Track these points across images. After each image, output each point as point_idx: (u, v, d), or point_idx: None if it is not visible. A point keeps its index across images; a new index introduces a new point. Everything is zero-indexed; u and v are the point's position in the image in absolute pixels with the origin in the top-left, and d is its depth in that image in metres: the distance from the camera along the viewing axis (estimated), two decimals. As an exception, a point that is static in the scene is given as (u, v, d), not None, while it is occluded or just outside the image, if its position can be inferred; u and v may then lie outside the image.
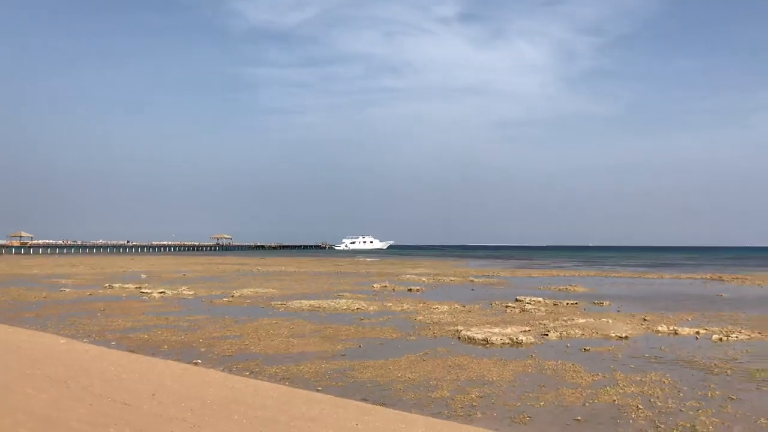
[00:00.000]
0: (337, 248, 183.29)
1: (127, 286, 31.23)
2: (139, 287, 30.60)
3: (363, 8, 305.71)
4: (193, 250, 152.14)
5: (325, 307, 22.62)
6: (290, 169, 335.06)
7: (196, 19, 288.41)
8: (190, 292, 28.58)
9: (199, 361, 12.86)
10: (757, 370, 12.21)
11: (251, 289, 29.87)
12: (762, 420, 8.69)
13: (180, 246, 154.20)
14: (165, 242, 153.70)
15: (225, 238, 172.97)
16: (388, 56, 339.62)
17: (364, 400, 9.77)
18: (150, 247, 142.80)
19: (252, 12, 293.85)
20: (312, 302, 23.89)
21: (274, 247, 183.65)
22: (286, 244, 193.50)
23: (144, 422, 7.88)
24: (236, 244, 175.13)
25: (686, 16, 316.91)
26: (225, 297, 26.84)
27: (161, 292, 28.03)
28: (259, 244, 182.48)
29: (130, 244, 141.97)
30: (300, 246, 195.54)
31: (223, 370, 11.98)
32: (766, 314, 21.89)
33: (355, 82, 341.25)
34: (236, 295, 27.47)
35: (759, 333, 16.89)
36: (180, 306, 23.43)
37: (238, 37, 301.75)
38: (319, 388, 10.53)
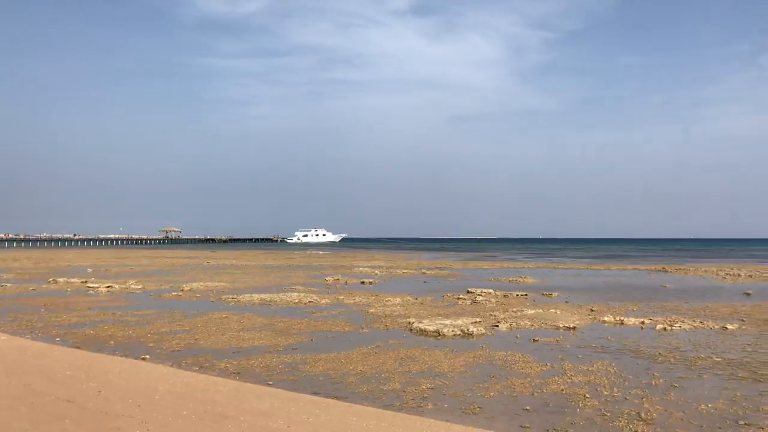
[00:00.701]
0: (289, 241, 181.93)
1: (72, 280, 30.43)
2: (85, 282, 29.85)
3: (317, 0, 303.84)
4: (142, 243, 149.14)
5: (276, 301, 22.46)
6: (241, 161, 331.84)
7: (144, 9, 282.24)
8: (138, 287, 28.03)
9: (148, 356, 12.62)
10: (698, 358, 12.61)
11: (201, 283, 29.45)
12: (702, 406, 8.97)
13: (128, 239, 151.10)
14: (112, 236, 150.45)
15: (174, 231, 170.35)
16: (342, 48, 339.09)
17: (316, 393, 9.73)
18: (97, 240, 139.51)
19: (202, 2, 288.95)
20: (263, 296, 23.69)
21: (225, 241, 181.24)
22: (237, 237, 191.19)
23: (89, 420, 7.70)
24: (186, 237, 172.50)
25: (633, 14, 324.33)
26: (174, 291, 26.40)
27: (108, 287, 27.40)
28: (209, 237, 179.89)
29: (75, 237, 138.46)
30: (251, 239, 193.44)
31: (172, 366, 11.78)
32: (707, 304, 22.60)
33: (307, 73, 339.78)
34: (186, 289, 27.05)
35: (700, 322, 17.43)
36: (128, 301, 22.96)
37: (188, 26, 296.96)
38: (271, 382, 10.45)
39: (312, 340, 14.75)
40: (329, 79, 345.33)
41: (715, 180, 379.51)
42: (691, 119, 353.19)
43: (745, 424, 8.17)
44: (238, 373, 11.22)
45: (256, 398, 9.11)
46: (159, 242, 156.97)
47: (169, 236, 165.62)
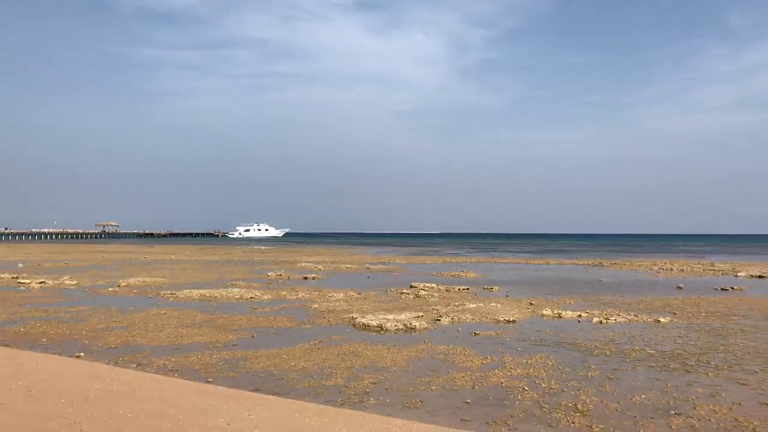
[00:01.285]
0: (230, 236, 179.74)
1: (2, 275, 29.31)
2: (16, 277, 28.80)
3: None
4: (77, 238, 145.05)
5: (216, 297, 22.13)
6: (182, 155, 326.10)
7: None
8: (73, 282, 27.19)
9: (82, 354, 12.25)
10: (633, 350, 12.98)
11: (139, 279, 28.75)
12: (636, 398, 9.24)
13: (62, 234, 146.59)
14: (46, 230, 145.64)
15: (111, 225, 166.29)
16: (285, 41, 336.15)
17: (257, 390, 9.62)
18: (29, 234, 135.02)
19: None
20: (203, 291, 23.30)
21: (164, 235, 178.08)
22: (177, 231, 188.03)
23: (19, 421, 7.41)
24: (123, 231, 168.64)
25: (572, 15, 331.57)
26: (110, 287, 25.70)
27: (41, 282, 26.51)
28: (147, 231, 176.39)
29: (7, 231, 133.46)
30: (191, 234, 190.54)
31: (108, 363, 11.45)
32: (641, 297, 23.31)
33: (249, 66, 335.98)
34: (123, 284, 26.38)
35: (635, 315, 17.96)
36: (61, 297, 22.24)
37: (126, 16, 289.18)
38: (210, 379, 10.28)
39: (253, 336, 14.57)
40: (272, 72, 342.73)
41: (649, 177, 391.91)
42: (628, 118, 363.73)
43: (676, 413, 8.45)
44: (177, 370, 10.99)
45: (195, 396, 8.94)
46: (95, 237, 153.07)
47: (106, 230, 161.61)
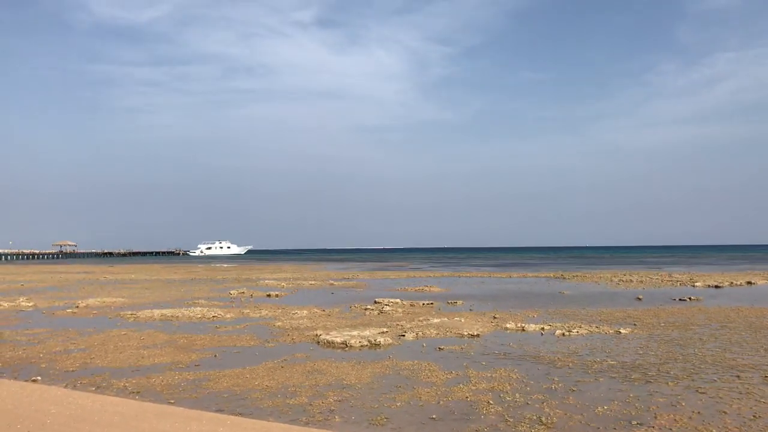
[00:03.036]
0: (192, 254, 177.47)
1: (-46, 299, 28.42)
2: (-31, 301, 27.95)
3: (218, 8, 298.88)
4: (34, 258, 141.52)
5: (178, 316, 21.78)
6: (142, 172, 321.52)
7: (37, 12, 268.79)
8: (29, 304, 26.49)
9: (39, 378, 11.91)
10: (595, 362, 13.14)
11: (98, 299, 28.15)
12: (599, 409, 9.34)
13: (18, 254, 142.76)
14: (1, 250, 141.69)
15: (69, 245, 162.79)
16: (245, 58, 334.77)
17: (220, 410, 9.47)
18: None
19: (99, 7, 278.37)
20: (164, 311, 22.91)
21: (124, 254, 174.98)
22: (137, 250, 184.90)
23: (-29, 450, 7.17)
24: (82, 251, 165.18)
25: (529, 32, 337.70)
26: (69, 308, 25.11)
27: (-5, 306, 25.76)
28: (107, 251, 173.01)
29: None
30: (152, 252, 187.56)
31: (66, 387, 11.17)
32: (602, 309, 23.63)
33: (210, 82, 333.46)
34: (81, 305, 25.79)
35: (596, 327, 18.19)
36: (17, 319, 21.63)
37: (83, 32, 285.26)
38: (172, 401, 10.08)
39: (216, 355, 14.36)
40: (232, 88, 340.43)
41: (607, 190, 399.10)
42: (584, 132, 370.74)
43: (638, 423, 8.56)
44: (138, 392, 10.76)
45: (156, 418, 8.76)
46: (53, 257, 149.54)
47: (64, 250, 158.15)
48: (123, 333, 17.94)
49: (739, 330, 17.49)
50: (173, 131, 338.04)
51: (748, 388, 10.50)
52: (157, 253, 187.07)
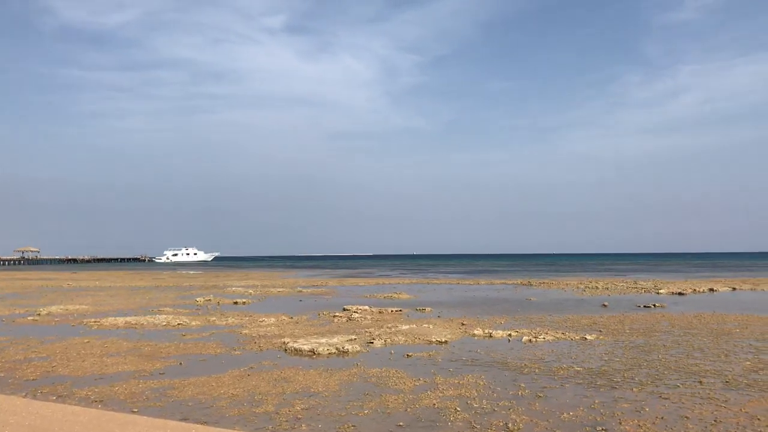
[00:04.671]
0: (158, 261, 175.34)
1: None
2: (-74, 308, 27.20)
3: (188, 13, 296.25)
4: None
5: (143, 324, 21.45)
6: (108, 177, 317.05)
7: (2, 15, 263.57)
8: (-12, 312, 25.87)
9: (-3, 388, 11.63)
10: (561, 368, 13.25)
11: (60, 306, 27.62)
12: (565, 415, 9.41)
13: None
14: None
15: (31, 251, 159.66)
16: (214, 63, 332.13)
17: (185, 419, 9.33)
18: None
19: (66, 10, 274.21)
20: (129, 319, 22.56)
21: (88, 261, 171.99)
22: (102, 257, 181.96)
23: (-75, 462, 6.95)
24: (44, 257, 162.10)
25: (498, 42, 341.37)
26: (30, 315, 24.58)
27: (-48, 313, 25.11)
28: (70, 257, 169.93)
29: None
30: (117, 259, 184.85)
31: (26, 396, 10.91)
32: (568, 316, 23.87)
33: (179, 87, 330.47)
34: (43, 313, 25.27)
35: (562, 333, 18.36)
36: (-25, 328, 21.10)
37: (49, 36, 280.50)
38: (135, 410, 9.91)
39: (181, 363, 14.17)
40: (201, 93, 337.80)
41: (574, 198, 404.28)
42: (552, 141, 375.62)
43: (603, 429, 8.64)
44: (101, 401, 10.56)
45: (119, 427, 8.60)
46: (14, 263, 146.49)
47: (26, 257, 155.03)
48: (86, 341, 17.61)
49: (702, 336, 17.80)
50: (141, 136, 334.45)
51: (709, 394, 10.68)
52: (123, 260, 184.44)
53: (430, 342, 17.01)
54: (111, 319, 22.44)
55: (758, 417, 9.14)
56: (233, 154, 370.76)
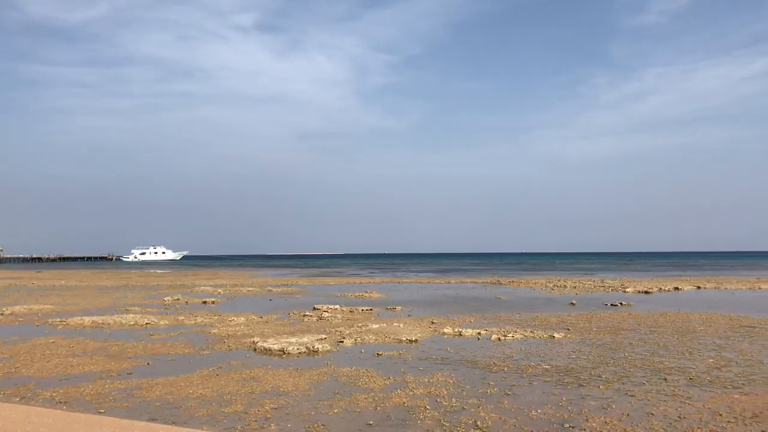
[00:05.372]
0: (125, 260, 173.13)
1: None
2: None
3: (156, 10, 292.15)
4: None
5: (110, 323, 21.16)
6: (74, 175, 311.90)
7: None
8: (-51, 312, 25.28)
9: (-42, 389, 11.37)
10: (529, 366, 13.38)
11: (25, 306, 27.11)
12: (533, 412, 9.51)
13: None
14: None
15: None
16: (183, 61, 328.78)
17: (153, 419, 9.23)
18: None
19: (32, 6, 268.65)
20: (95, 318, 22.23)
21: (53, 260, 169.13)
22: (68, 255, 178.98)
23: None
24: (8, 256, 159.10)
25: (469, 43, 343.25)
26: (-7, 316, 24.08)
27: None
28: (35, 256, 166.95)
29: None
30: (83, 258, 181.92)
31: (-13, 399, 10.69)
32: (537, 314, 24.10)
33: (146, 85, 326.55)
34: (6, 312, 24.78)
35: (531, 332, 18.53)
36: (-64, 328, 20.62)
37: (15, 31, 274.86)
38: (102, 410, 9.78)
39: (149, 363, 14.01)
40: (170, 91, 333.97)
41: (543, 198, 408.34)
42: (523, 141, 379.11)
43: (570, 426, 8.74)
44: (66, 402, 10.39)
45: (84, 428, 8.47)
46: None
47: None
48: (51, 341, 17.31)
49: (667, 334, 18.11)
50: (108, 134, 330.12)
51: (674, 390, 10.87)
52: (89, 259, 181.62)
53: (401, 341, 17.05)
54: (77, 319, 22.09)
55: (720, 413, 9.33)
56: (202, 153, 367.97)
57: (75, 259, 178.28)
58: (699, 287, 40.18)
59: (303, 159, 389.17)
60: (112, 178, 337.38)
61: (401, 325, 19.86)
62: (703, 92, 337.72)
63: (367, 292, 37.01)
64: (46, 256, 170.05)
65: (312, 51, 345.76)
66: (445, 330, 18.92)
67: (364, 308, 25.98)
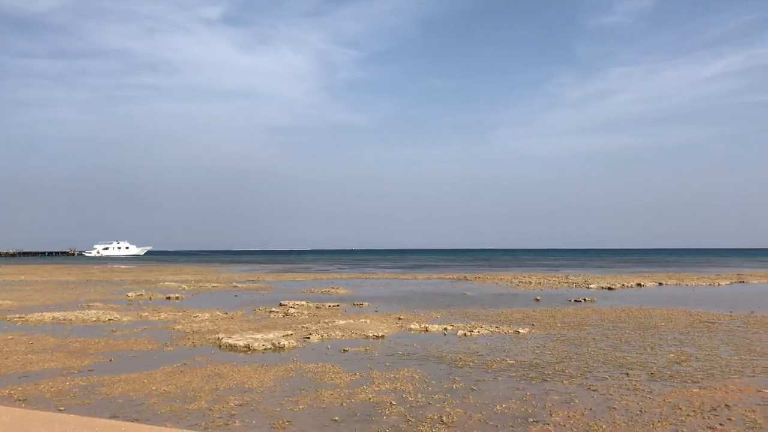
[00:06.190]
0: (87, 255, 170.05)
1: None
2: None
3: (122, 2, 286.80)
4: None
5: (71, 319, 20.78)
6: (34, 168, 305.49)
7: None
8: None
9: None
10: (494, 361, 13.48)
11: (-17, 302, 26.47)
12: (498, 407, 9.58)
13: None
14: None
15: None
16: (149, 53, 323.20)
17: (114, 417, 9.08)
18: None
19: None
20: (56, 314, 21.81)
21: (12, 254, 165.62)
22: (28, 250, 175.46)
23: None
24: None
25: (436, 40, 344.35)
26: (-51, 312, 23.47)
27: None
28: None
29: None
30: (44, 253, 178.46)
31: (-58, 397, 10.42)
32: (502, 310, 24.31)
33: (111, 77, 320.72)
34: (-37, 309, 24.18)
35: (496, 327, 18.69)
36: None
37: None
38: (62, 408, 9.59)
39: (111, 360, 13.79)
40: (134, 84, 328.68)
41: (510, 195, 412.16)
42: (489, 139, 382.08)
43: (534, 421, 8.84)
44: (24, 399, 10.17)
45: (43, 426, 8.30)
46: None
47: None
48: (9, 337, 16.94)
49: (629, 330, 18.41)
50: (68, 126, 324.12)
51: (635, 385, 11.06)
52: (50, 254, 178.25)
53: (367, 337, 17.06)
54: (37, 315, 21.65)
55: (680, 406, 9.52)
56: (167, 147, 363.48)
57: (35, 254, 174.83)
58: (661, 284, 40.93)
59: (270, 154, 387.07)
60: (74, 172, 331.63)
61: (368, 321, 19.87)
62: (666, 92, 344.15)
63: (334, 288, 36.94)
64: (5, 251, 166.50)
65: (279, 45, 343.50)
66: (412, 326, 18.97)
67: (331, 304, 25.93)
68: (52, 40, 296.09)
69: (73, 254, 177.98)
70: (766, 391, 10.58)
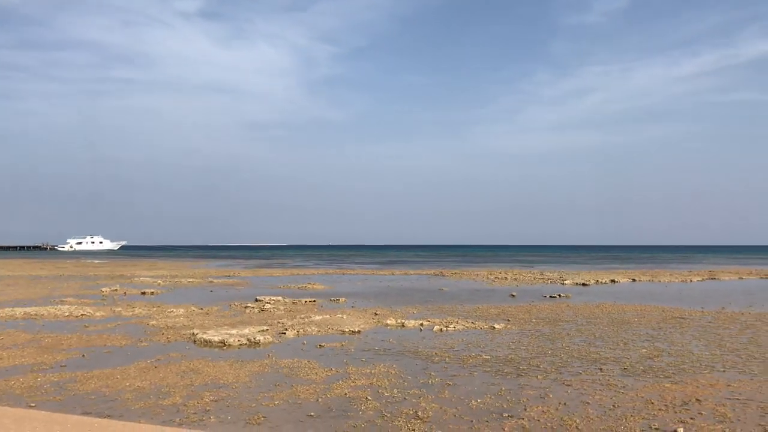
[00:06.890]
0: (60, 249, 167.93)
1: None
2: None
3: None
4: None
5: (43, 315, 20.49)
6: (5, 161, 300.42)
7: None
8: None
9: None
10: (470, 357, 13.55)
11: (-48, 297, 26.01)
12: (473, 402, 9.64)
13: None
14: None
15: None
16: (124, 46, 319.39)
17: (86, 413, 8.97)
18: None
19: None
20: (28, 309, 21.50)
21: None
22: None
23: None
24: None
25: (413, 37, 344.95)
26: None
27: None
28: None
29: None
30: (16, 247, 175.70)
31: None
32: (478, 305, 24.43)
33: (85, 70, 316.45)
34: (-68, 304, 23.73)
35: (472, 323, 18.78)
36: None
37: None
38: (33, 404, 9.46)
39: (84, 356, 13.62)
40: (109, 77, 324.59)
41: (485, 191, 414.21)
42: (464, 135, 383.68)
43: (509, 416, 8.90)
44: (-6, 396, 10.02)
45: (14, 423, 8.18)
46: None
47: None
48: (-21, 333, 16.66)
49: (603, 325, 18.61)
50: (41, 119, 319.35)
51: (609, 380, 11.18)
52: (22, 248, 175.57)
53: (344, 332, 17.04)
54: (8, 310, 21.32)
55: (652, 401, 9.64)
56: (142, 141, 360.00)
57: (7, 248, 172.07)
58: (634, 280, 41.39)
59: (246, 148, 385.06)
60: (46, 166, 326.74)
61: (344, 317, 19.85)
62: (640, 90, 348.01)
63: (310, 283, 36.85)
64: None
65: (257, 40, 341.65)
66: (388, 321, 18.99)
67: (308, 300, 25.86)
68: (22, 31, 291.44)
69: (46, 249, 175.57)
70: (735, 385, 10.77)
